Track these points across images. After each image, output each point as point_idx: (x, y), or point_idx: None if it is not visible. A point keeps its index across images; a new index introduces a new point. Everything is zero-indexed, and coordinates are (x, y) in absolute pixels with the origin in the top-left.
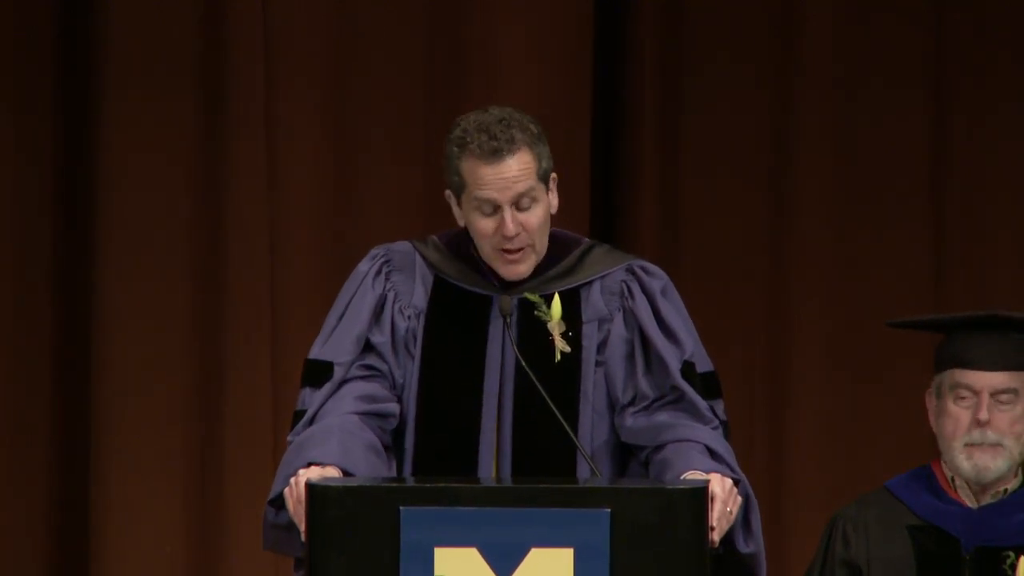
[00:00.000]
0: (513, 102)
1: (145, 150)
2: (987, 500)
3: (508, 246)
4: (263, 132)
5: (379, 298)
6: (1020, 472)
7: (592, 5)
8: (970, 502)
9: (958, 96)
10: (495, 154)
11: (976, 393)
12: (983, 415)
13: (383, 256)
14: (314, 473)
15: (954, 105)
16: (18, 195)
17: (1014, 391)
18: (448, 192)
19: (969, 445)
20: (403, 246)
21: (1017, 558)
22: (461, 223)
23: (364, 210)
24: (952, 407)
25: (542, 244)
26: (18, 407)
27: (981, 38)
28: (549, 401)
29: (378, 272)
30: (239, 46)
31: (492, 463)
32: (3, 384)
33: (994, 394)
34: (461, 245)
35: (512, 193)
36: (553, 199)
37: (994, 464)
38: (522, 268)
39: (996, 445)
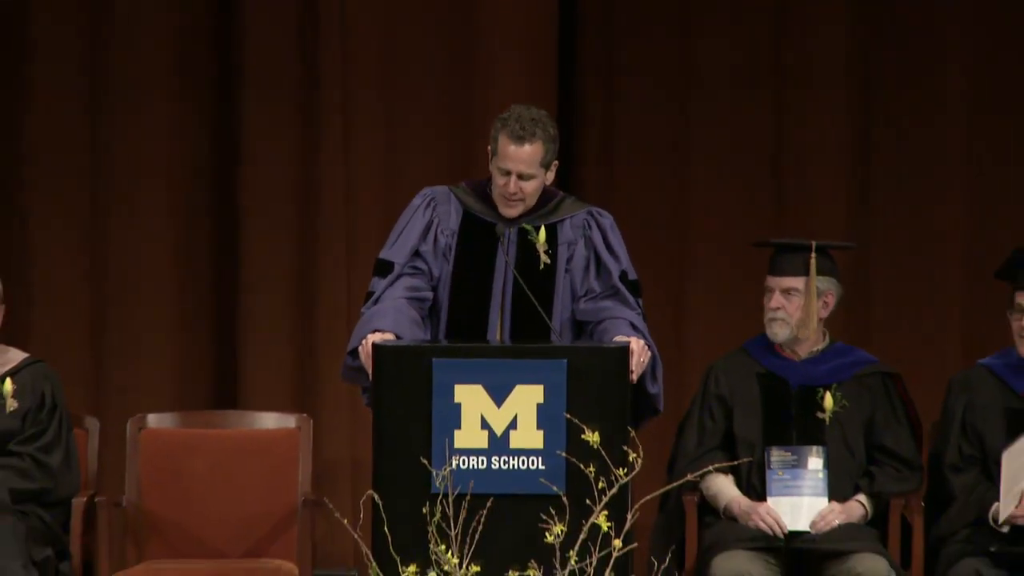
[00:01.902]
0: (502, 97)
1: (267, 139)
2: (805, 356)
3: (508, 197)
4: (340, 125)
5: (427, 222)
6: (827, 338)
7: (556, 32)
8: (794, 357)
9: (791, 100)
10: (519, 139)
11: (773, 290)
12: (774, 304)
13: (430, 194)
14: (377, 337)
15: (789, 107)
16: (190, 167)
17: (795, 288)
18: (489, 148)
19: (770, 320)
20: (443, 188)
21: (824, 392)
22: (491, 169)
23: (408, 175)
24: (764, 298)
25: (532, 200)
26: (192, 302)
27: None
28: (531, 296)
29: (427, 205)
30: (325, 74)
31: (497, 332)
32: (189, 286)
33: (783, 290)
34: (481, 190)
35: (519, 169)
36: (550, 176)
37: (781, 332)
38: (513, 212)
39: (782, 321)
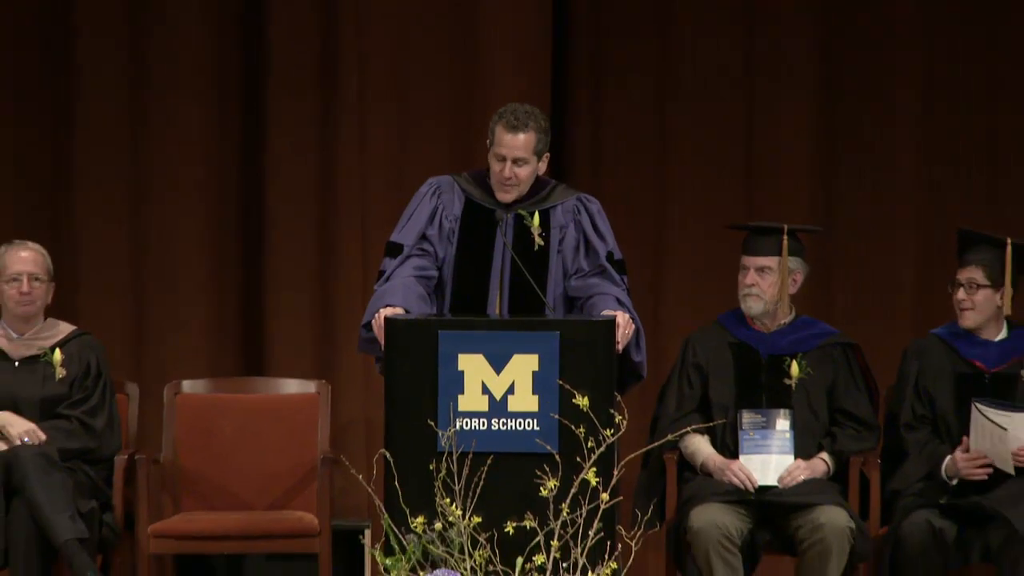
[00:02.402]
0: (501, 96)
1: (290, 134)
2: (774, 328)
3: (503, 182)
4: (356, 122)
5: (433, 208)
6: (793, 312)
7: (550, 38)
8: (764, 329)
9: (759, 98)
10: (513, 128)
11: (748, 268)
12: (749, 280)
13: (435, 183)
14: (389, 311)
15: (761, 106)
16: (220, 161)
17: (768, 267)
18: (487, 140)
19: (745, 295)
20: (447, 178)
21: (791, 361)
22: (489, 158)
23: (416, 166)
24: (739, 275)
25: (525, 186)
26: (223, 282)
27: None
28: (527, 274)
29: (433, 193)
30: (342, 76)
31: (496, 307)
32: (220, 268)
33: (757, 269)
34: (481, 179)
35: (513, 155)
36: (542, 166)
37: (755, 305)
38: (509, 196)
39: (756, 296)
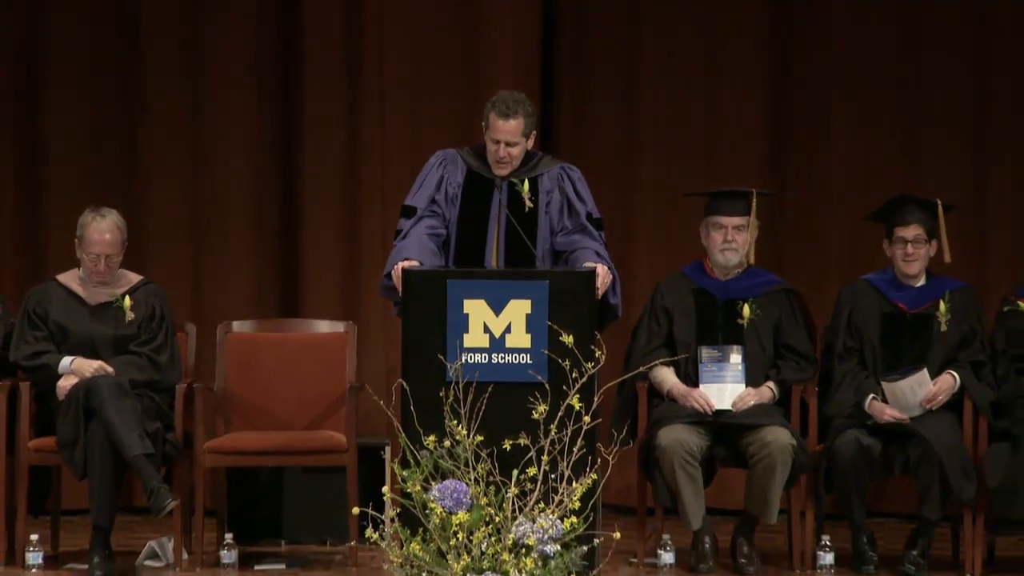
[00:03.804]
0: (499, 83)
1: (323, 112)
2: (729, 277)
3: (499, 161)
4: (377, 104)
5: (440, 177)
6: (745, 263)
7: (539, 35)
8: (721, 278)
9: (716, 85)
10: (504, 116)
11: (724, 227)
12: (729, 237)
13: (442, 156)
14: (406, 264)
15: (717, 94)
16: (261, 134)
17: (744, 225)
18: (482, 124)
19: (723, 250)
20: (452, 151)
21: (743, 304)
22: (485, 139)
23: (426, 141)
24: (714, 233)
25: (517, 162)
26: (266, 239)
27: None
28: (520, 232)
29: (440, 164)
30: (367, 64)
31: (493, 260)
32: (264, 227)
33: (734, 227)
34: (480, 153)
35: (507, 138)
36: (531, 143)
37: (733, 258)
38: (504, 171)
39: (735, 250)
